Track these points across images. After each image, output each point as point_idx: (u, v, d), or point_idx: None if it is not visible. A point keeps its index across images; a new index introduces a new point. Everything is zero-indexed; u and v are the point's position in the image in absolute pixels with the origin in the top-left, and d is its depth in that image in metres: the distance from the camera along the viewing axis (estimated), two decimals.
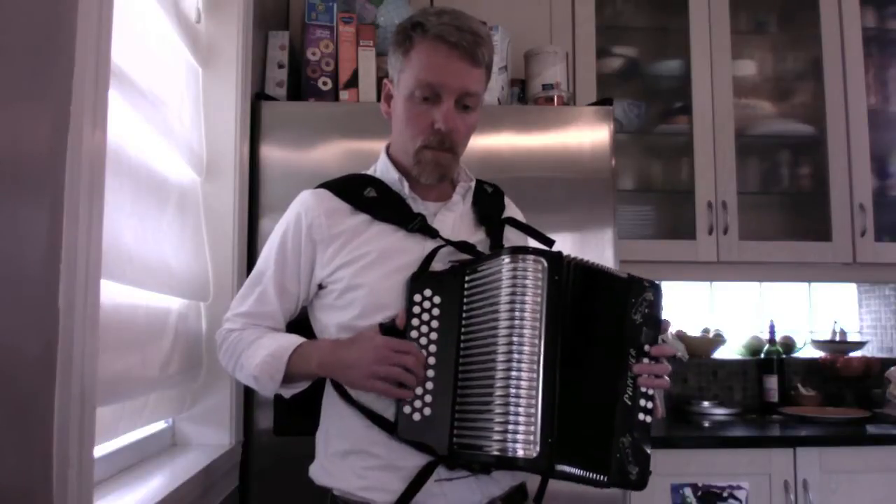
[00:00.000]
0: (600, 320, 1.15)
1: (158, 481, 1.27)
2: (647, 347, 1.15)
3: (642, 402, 1.14)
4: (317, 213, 1.23)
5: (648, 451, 1.13)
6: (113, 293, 1.09)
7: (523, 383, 1.04)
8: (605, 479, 1.10)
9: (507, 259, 1.09)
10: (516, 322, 1.06)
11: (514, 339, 1.06)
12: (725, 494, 2.01)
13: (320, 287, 1.24)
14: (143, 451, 1.44)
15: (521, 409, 1.04)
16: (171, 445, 1.60)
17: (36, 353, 0.78)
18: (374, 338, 1.13)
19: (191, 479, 1.30)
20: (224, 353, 1.26)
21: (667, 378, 1.16)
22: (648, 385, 1.14)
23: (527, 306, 1.06)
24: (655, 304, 1.17)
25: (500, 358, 1.06)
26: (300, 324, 1.28)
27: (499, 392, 1.05)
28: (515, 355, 1.05)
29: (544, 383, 1.05)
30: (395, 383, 1.11)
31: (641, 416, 1.14)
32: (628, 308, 1.15)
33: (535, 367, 1.05)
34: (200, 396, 1.62)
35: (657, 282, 1.20)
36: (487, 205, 1.33)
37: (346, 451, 1.19)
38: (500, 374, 1.05)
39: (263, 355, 1.18)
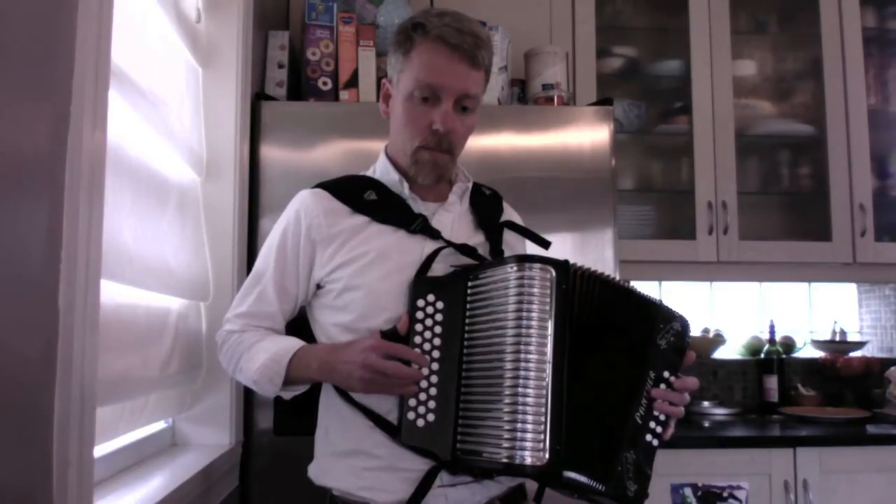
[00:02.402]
0: (621, 336, 1.14)
1: (158, 481, 1.27)
2: (666, 374, 1.15)
3: (652, 425, 1.14)
4: (316, 212, 1.23)
5: (649, 472, 1.13)
6: (113, 293, 1.09)
7: (531, 391, 1.04)
8: (604, 488, 1.09)
9: (513, 267, 1.09)
10: (523, 330, 1.05)
11: (522, 346, 1.05)
12: (725, 494, 2.01)
13: (318, 287, 1.24)
14: (143, 451, 1.44)
15: (529, 417, 1.03)
16: (171, 445, 1.60)
17: (36, 354, 0.78)
18: (363, 342, 1.11)
19: (191, 479, 1.30)
20: (224, 354, 1.26)
21: (682, 408, 1.16)
22: (663, 410, 1.14)
23: (534, 314, 1.06)
24: (682, 337, 1.17)
25: (508, 366, 1.05)
26: (299, 324, 1.28)
27: (507, 399, 1.04)
28: (523, 363, 1.05)
29: (553, 392, 1.04)
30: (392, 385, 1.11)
31: (649, 437, 1.14)
32: (655, 332, 1.15)
33: (543, 374, 1.05)
34: (200, 396, 1.62)
35: (686, 317, 1.20)
36: (486, 208, 1.32)
37: (346, 451, 1.19)
38: (507, 382, 1.05)
39: (263, 359, 1.17)
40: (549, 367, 1.05)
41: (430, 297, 1.14)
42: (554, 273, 1.08)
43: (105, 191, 0.91)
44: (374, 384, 1.10)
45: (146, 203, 1.27)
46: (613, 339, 1.14)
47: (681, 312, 1.19)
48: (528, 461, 1.02)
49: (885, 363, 2.59)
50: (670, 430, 1.17)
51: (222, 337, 1.27)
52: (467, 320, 1.13)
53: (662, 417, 1.15)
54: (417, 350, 1.12)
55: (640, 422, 1.13)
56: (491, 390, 1.07)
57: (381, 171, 1.29)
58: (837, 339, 2.74)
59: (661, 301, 1.19)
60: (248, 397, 1.71)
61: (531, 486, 1.27)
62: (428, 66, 1.18)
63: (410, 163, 1.22)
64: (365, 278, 1.18)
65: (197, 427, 1.62)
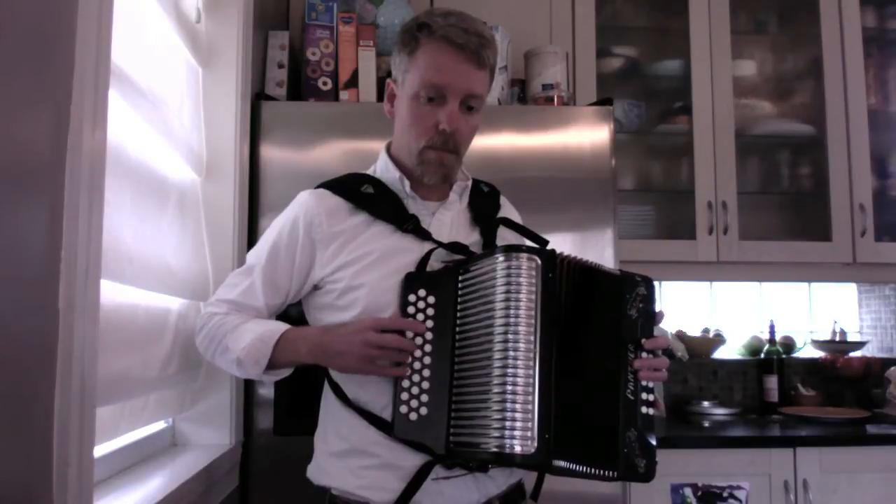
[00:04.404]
0: (596, 317, 1.16)
1: (158, 481, 1.27)
2: (643, 341, 1.17)
3: (644, 396, 1.16)
4: (317, 212, 1.23)
5: (654, 442, 1.15)
6: (113, 293, 1.09)
7: (519, 380, 1.05)
8: (615, 474, 1.11)
9: (500, 257, 1.09)
10: (511, 320, 1.06)
11: (510, 336, 1.06)
12: (725, 494, 2.01)
13: (316, 287, 1.25)
14: (143, 451, 1.44)
15: (517, 406, 1.04)
16: (171, 445, 1.60)
17: (36, 354, 0.78)
18: (359, 322, 1.14)
19: (191, 479, 1.30)
20: (204, 337, 1.25)
21: (665, 371, 1.18)
22: (648, 378, 1.17)
23: (521, 304, 1.07)
24: (649, 298, 1.19)
25: (496, 356, 1.06)
26: (296, 323, 1.28)
27: (495, 389, 1.05)
28: (511, 353, 1.05)
29: (540, 380, 1.05)
30: (391, 363, 1.12)
31: (644, 409, 1.16)
32: (623, 304, 1.17)
33: (530, 363, 1.05)
34: (200, 396, 1.62)
35: (649, 276, 1.21)
36: (483, 205, 1.33)
37: (344, 450, 1.19)
38: (496, 372, 1.06)
39: (250, 339, 1.18)
40: (536, 356, 1.06)
41: (422, 293, 1.15)
42: (540, 262, 1.08)
43: (105, 191, 0.91)
44: (372, 362, 1.11)
45: (146, 203, 1.27)
46: (593, 321, 1.15)
47: (643, 274, 1.20)
48: (518, 450, 1.03)
49: (885, 363, 2.60)
50: (660, 400, 1.18)
51: (203, 319, 1.26)
52: (458, 313, 1.14)
53: (651, 385, 1.17)
54: (418, 339, 1.13)
55: (631, 398, 1.15)
56: (482, 381, 1.07)
57: (382, 169, 1.29)
58: (837, 339, 2.75)
59: (621, 270, 1.21)
60: (248, 397, 1.71)
61: (530, 484, 1.27)
62: (434, 66, 1.18)
63: (416, 163, 1.23)
64: (367, 277, 1.19)
65: (197, 427, 1.62)
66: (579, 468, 1.09)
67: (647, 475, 1.14)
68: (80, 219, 0.83)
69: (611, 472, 1.11)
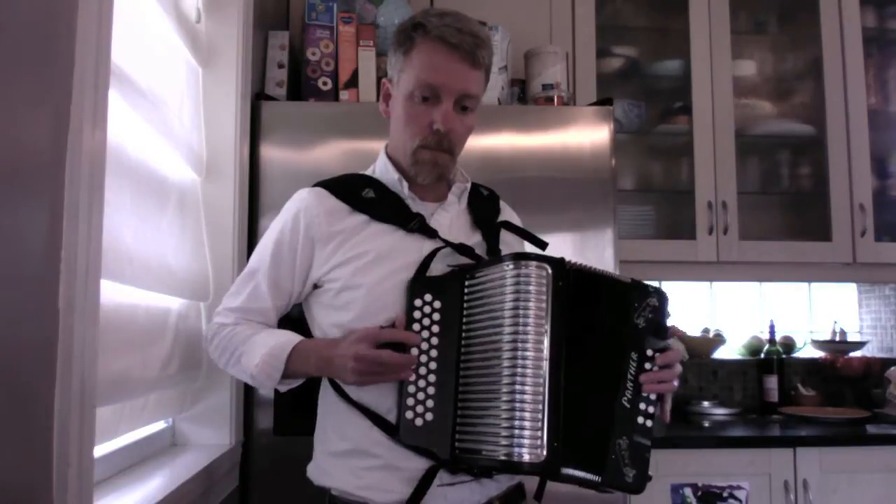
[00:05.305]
0: (602, 324, 1.14)
1: (158, 481, 1.27)
2: (650, 352, 1.15)
3: (643, 406, 1.13)
4: (316, 211, 1.23)
5: (648, 455, 1.12)
6: (113, 293, 1.09)
7: (528, 388, 1.04)
8: (599, 479, 1.09)
9: (510, 265, 1.09)
10: (520, 328, 1.06)
11: (519, 344, 1.05)
12: (725, 494, 2.01)
13: (316, 286, 1.25)
14: (143, 451, 1.44)
15: (526, 414, 1.03)
16: (171, 445, 1.60)
17: (36, 354, 0.78)
18: (353, 334, 1.14)
19: (191, 479, 1.30)
20: (216, 347, 1.26)
21: (674, 382, 1.15)
22: (652, 390, 1.14)
23: (531, 312, 1.06)
24: (660, 311, 1.16)
25: (505, 363, 1.06)
26: (297, 324, 1.28)
27: (504, 397, 1.05)
28: (520, 360, 1.05)
29: (549, 388, 1.05)
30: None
31: (641, 419, 1.13)
32: (630, 312, 1.14)
33: (540, 371, 1.05)
34: (200, 396, 1.62)
35: (663, 290, 1.18)
36: (483, 208, 1.33)
37: (345, 451, 1.19)
38: (505, 380, 1.05)
39: (262, 354, 1.18)
40: (545, 365, 1.05)
41: (427, 297, 1.15)
42: (550, 270, 1.08)
43: (105, 191, 0.91)
44: (369, 375, 1.11)
45: (146, 203, 1.27)
46: (598, 328, 1.14)
47: (657, 287, 1.17)
48: (526, 458, 1.03)
49: (885, 363, 2.60)
50: (668, 407, 1.16)
51: (213, 329, 1.27)
52: (464, 319, 1.13)
53: (653, 397, 1.14)
54: (414, 350, 1.12)
55: (627, 406, 1.12)
56: (489, 388, 1.07)
57: (381, 170, 1.29)
58: (837, 339, 2.75)
59: (633, 279, 1.17)
60: (248, 397, 1.71)
61: (530, 485, 1.27)
62: (428, 66, 1.18)
63: (411, 162, 1.23)
64: (365, 278, 1.18)
65: (197, 427, 1.62)
66: (581, 475, 1.08)
67: (636, 486, 1.10)
68: (80, 219, 0.83)
69: (595, 477, 1.08)
